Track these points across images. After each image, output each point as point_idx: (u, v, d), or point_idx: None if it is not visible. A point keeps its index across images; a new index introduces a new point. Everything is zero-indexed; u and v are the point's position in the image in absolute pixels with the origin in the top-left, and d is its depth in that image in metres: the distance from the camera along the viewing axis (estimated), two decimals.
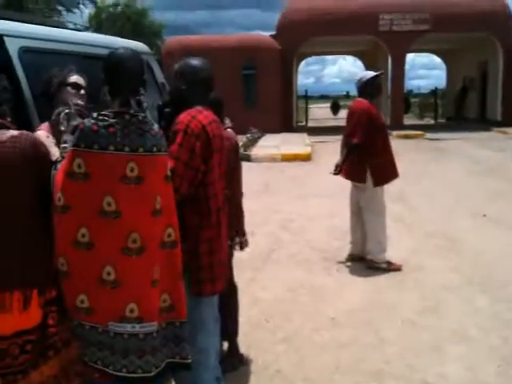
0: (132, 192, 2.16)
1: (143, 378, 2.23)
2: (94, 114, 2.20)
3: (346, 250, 5.81)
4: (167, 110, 2.62)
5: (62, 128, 2.50)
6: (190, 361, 2.40)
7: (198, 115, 2.48)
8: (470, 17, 21.14)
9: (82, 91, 2.93)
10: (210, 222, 2.54)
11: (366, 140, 5.21)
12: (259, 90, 21.87)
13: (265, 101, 21.65)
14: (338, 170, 5.50)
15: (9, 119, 2.36)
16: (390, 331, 4.04)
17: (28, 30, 3.53)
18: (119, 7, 29.98)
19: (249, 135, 17.53)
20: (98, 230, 2.16)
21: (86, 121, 2.19)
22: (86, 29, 23.71)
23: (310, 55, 29.83)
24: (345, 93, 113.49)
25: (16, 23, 3.52)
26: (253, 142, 17.05)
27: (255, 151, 15.18)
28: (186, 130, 2.42)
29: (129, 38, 5.25)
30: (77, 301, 2.22)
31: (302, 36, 21.81)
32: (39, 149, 2.30)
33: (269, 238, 6.52)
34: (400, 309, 4.45)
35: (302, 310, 4.50)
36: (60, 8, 23.65)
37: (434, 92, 29.91)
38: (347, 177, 5.52)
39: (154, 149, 2.22)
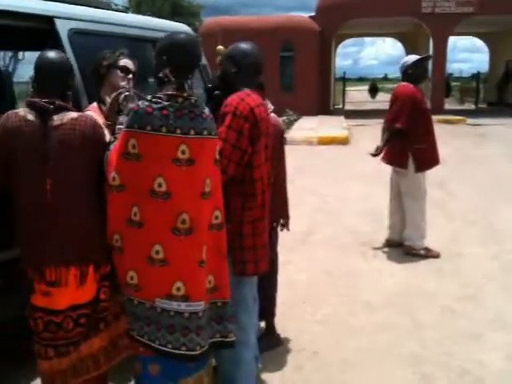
0: (183, 174, 2.22)
1: (187, 356, 2.29)
2: (148, 97, 2.25)
3: (382, 234, 5.80)
4: (217, 92, 2.66)
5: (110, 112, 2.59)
6: (233, 339, 2.46)
7: (246, 98, 2.53)
8: None
9: (130, 75, 2.98)
10: (254, 204, 2.60)
11: (409, 125, 5.15)
12: (297, 72, 21.74)
13: (302, 83, 21.52)
14: (378, 151, 5.45)
15: (70, 103, 2.45)
16: (428, 317, 4.04)
17: (77, 11, 3.61)
18: None
19: (285, 117, 17.48)
20: (148, 209, 2.23)
21: (140, 103, 2.25)
22: (126, 9, 23.85)
23: (348, 37, 29.41)
24: (383, 75, 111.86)
25: (66, 5, 3.60)
26: (289, 125, 17.00)
27: (291, 134, 15.12)
28: (235, 112, 2.47)
29: (167, 19, 5.29)
30: (127, 277, 2.30)
31: (342, 17, 21.51)
32: (97, 130, 2.39)
33: (305, 220, 6.54)
34: (438, 296, 4.43)
35: (338, 292, 4.53)
36: None
37: (476, 76, 29.17)
38: (388, 162, 5.48)
39: (205, 132, 2.27)
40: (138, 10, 27.15)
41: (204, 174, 2.27)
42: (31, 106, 2.36)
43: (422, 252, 5.35)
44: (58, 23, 3.33)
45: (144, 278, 2.29)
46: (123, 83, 2.92)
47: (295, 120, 18.57)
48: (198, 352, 2.30)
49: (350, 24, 22.22)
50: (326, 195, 8.15)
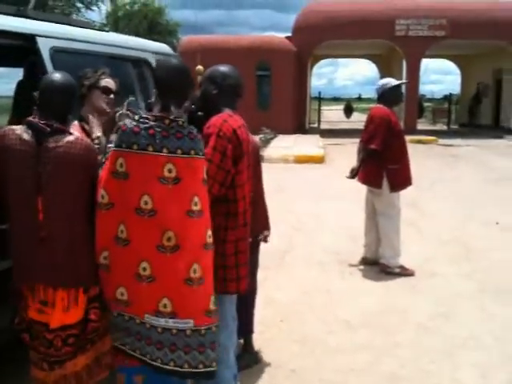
0: (169, 192, 2.25)
1: (174, 371, 2.32)
2: (136, 117, 2.31)
3: (358, 253, 5.87)
4: (200, 113, 2.70)
5: (98, 134, 2.62)
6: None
7: (228, 119, 2.58)
8: (488, 24, 21.07)
9: (112, 96, 2.99)
10: (236, 224, 2.63)
11: (384, 146, 5.26)
12: (273, 91, 21.96)
13: (278, 102, 21.72)
14: (354, 173, 5.56)
15: (70, 126, 2.47)
16: (404, 336, 4.10)
17: (59, 30, 3.63)
18: (136, 5, 30.13)
19: (262, 136, 17.58)
20: (134, 227, 2.27)
21: (127, 122, 2.30)
22: (104, 26, 23.87)
23: (324, 57, 29.86)
24: (357, 95, 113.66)
25: (47, 23, 3.61)
26: (266, 143, 17.10)
27: (268, 152, 15.20)
28: (219, 133, 2.51)
29: (145, 37, 5.35)
30: (117, 293, 2.34)
31: (318, 38, 21.86)
32: (91, 154, 2.40)
33: (282, 239, 6.55)
34: (413, 314, 4.49)
35: (315, 311, 4.56)
36: (79, 5, 23.80)
37: (448, 97, 29.79)
38: (363, 182, 5.57)
39: (192, 152, 2.30)
40: (115, 27, 27.16)
41: (191, 193, 2.29)
42: (29, 125, 2.36)
43: (397, 270, 5.43)
44: (40, 41, 3.34)
45: (133, 295, 2.32)
46: (104, 104, 2.93)
47: (271, 138, 18.68)
48: (186, 370, 2.32)
49: (326, 45, 22.59)
50: (303, 214, 8.21)
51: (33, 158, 2.32)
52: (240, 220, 2.64)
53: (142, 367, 2.38)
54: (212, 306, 2.35)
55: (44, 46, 3.35)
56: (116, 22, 28.96)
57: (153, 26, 29.31)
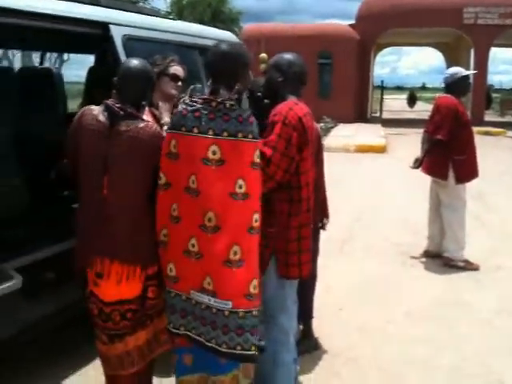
0: (212, 173, 2.30)
1: (214, 349, 2.35)
2: (186, 100, 2.39)
3: (420, 245, 5.78)
4: (266, 101, 2.73)
5: (166, 120, 2.71)
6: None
7: (294, 107, 2.60)
8: None
9: (180, 83, 3.07)
10: (300, 210, 2.65)
11: (451, 136, 5.14)
12: (334, 80, 21.75)
13: (339, 90, 21.52)
14: (418, 164, 5.47)
15: (144, 113, 2.57)
16: (466, 329, 4.02)
17: (131, 18, 3.75)
18: None
19: (322, 124, 17.47)
20: (184, 205, 2.35)
21: (179, 106, 2.40)
22: (168, 14, 24.28)
23: (388, 46, 29.25)
24: (421, 84, 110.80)
25: (120, 12, 3.74)
26: (326, 132, 16.99)
27: (328, 141, 15.09)
28: (284, 121, 2.53)
29: (209, 24, 5.44)
30: (167, 269, 2.43)
31: (382, 26, 21.45)
32: (156, 140, 2.46)
33: (341, 228, 6.54)
34: (476, 308, 4.40)
35: (375, 301, 4.54)
36: None
37: None
38: (428, 172, 5.47)
39: (240, 135, 2.31)
40: (179, 15, 27.52)
41: (235, 175, 2.31)
42: (105, 107, 2.47)
43: (461, 264, 5.31)
44: (113, 29, 3.46)
45: (181, 270, 2.39)
46: (173, 91, 3.01)
47: (332, 127, 18.54)
48: (224, 350, 2.34)
49: (390, 33, 22.13)
50: (364, 203, 8.14)
51: (105, 138, 2.42)
52: (303, 206, 2.66)
53: (190, 348, 2.44)
54: (253, 290, 2.33)
55: (117, 34, 3.47)
56: (181, 11, 29.33)
57: (216, 14, 29.51)
